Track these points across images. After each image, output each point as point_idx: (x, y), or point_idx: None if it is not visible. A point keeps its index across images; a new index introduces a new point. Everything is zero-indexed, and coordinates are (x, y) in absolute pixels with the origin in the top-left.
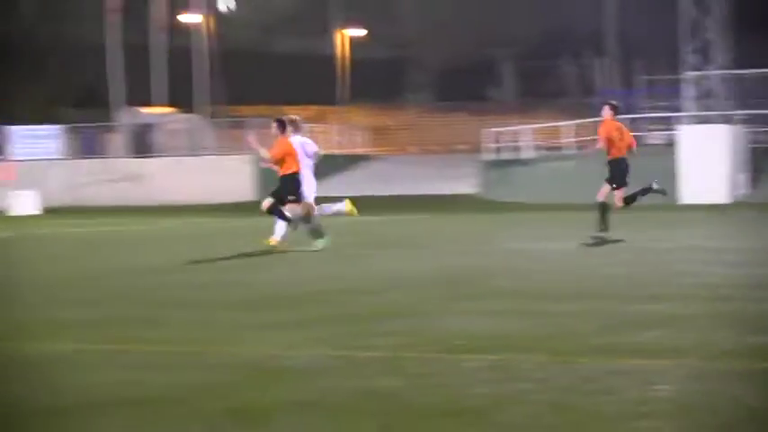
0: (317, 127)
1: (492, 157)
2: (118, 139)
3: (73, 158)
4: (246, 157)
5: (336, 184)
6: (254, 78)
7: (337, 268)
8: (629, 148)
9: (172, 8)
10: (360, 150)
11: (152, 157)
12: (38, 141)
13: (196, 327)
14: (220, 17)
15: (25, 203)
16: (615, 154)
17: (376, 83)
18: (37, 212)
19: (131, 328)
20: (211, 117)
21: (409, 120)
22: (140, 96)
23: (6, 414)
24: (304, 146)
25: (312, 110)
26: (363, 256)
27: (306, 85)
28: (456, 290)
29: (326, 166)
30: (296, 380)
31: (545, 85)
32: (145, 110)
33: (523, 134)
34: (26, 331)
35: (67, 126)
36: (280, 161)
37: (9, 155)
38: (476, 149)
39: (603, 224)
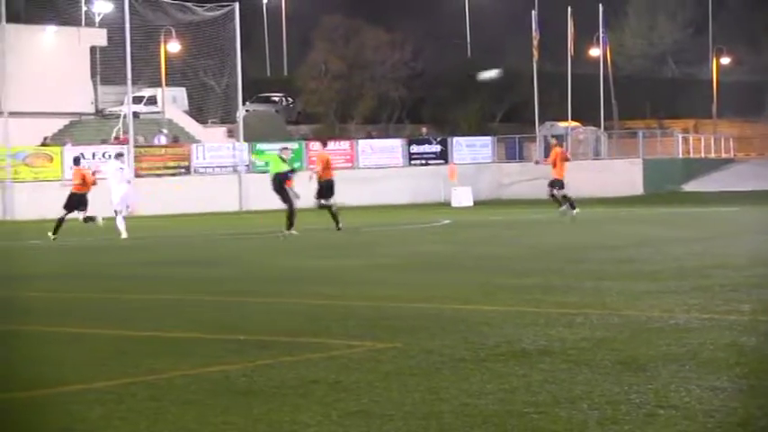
0: (695, 136)
1: None
2: (536, 147)
3: (500, 162)
4: (635, 160)
5: (707, 182)
6: (643, 98)
7: (708, 249)
8: None
9: (580, 43)
10: (726, 155)
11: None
12: (473, 149)
13: (598, 293)
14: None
15: (462, 197)
16: None
17: (741, 101)
18: (470, 205)
19: (550, 294)
20: (605, 129)
21: (767, 130)
22: (554, 112)
23: (451, 358)
24: None
25: (690, 122)
26: (728, 238)
27: (684, 103)
28: None
29: (701, 166)
30: (673, 337)
31: None
32: (559, 123)
33: None
34: (462, 295)
35: (497, 137)
36: None
37: (452, 159)
38: None
39: None
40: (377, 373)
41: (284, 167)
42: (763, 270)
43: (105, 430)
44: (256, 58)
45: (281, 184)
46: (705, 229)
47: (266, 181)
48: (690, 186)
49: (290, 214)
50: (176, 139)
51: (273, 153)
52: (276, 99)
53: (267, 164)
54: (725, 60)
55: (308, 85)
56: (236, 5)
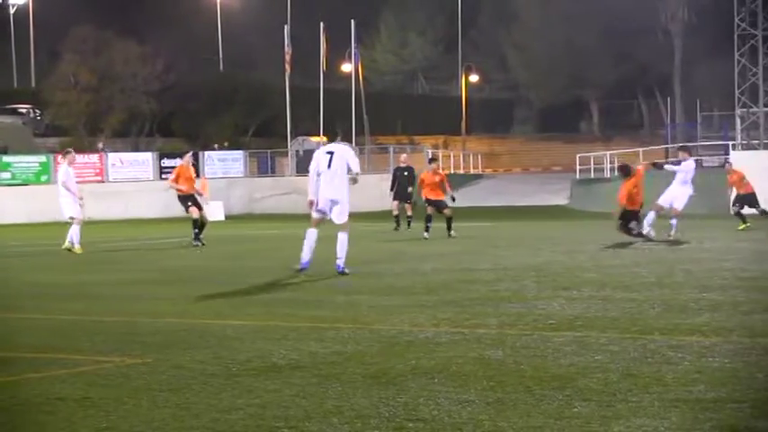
0: (444, 152)
1: (581, 176)
2: (288, 161)
3: (252, 177)
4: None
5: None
6: (395, 114)
7: (458, 264)
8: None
9: (332, 58)
10: (475, 171)
11: None
12: (225, 163)
13: (350, 308)
14: (370, 66)
15: (214, 212)
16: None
17: (490, 117)
18: (222, 219)
19: (302, 308)
20: (357, 144)
21: (515, 146)
22: (306, 127)
23: (201, 373)
24: None
25: (440, 139)
26: (478, 253)
27: (435, 119)
28: (550, 281)
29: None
30: (422, 351)
31: (623, 119)
32: (311, 138)
33: (606, 158)
34: (214, 309)
35: (249, 151)
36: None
37: (204, 174)
38: (568, 170)
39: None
40: (126, 389)
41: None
42: (511, 284)
43: None
44: (3, 69)
45: None
46: (455, 244)
47: (14, 193)
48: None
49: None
50: None
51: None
52: (23, 111)
53: (13, 176)
54: (474, 78)
55: (57, 96)
56: None
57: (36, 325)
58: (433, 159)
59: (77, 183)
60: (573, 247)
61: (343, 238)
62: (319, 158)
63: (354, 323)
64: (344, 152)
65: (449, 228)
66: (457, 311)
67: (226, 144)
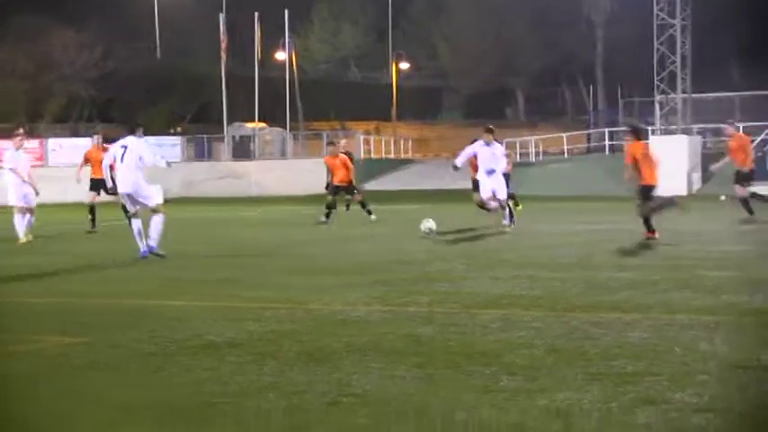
0: (376, 137)
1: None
2: (224, 147)
3: (189, 161)
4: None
5: (387, 181)
6: (328, 101)
7: (388, 246)
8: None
9: (267, 47)
10: (405, 155)
11: (250, 160)
12: (163, 148)
13: (284, 288)
14: (303, 54)
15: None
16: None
17: (419, 104)
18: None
19: (238, 288)
20: (290, 131)
21: (444, 132)
22: (242, 114)
23: (140, 352)
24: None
25: (372, 125)
26: (407, 235)
27: (366, 105)
28: (475, 262)
29: (382, 167)
30: (355, 328)
31: (548, 105)
32: (246, 124)
33: (531, 143)
34: (150, 291)
35: (186, 136)
36: None
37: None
38: None
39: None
40: (65, 367)
41: None
42: (440, 265)
43: None
44: None
45: None
46: (386, 226)
47: None
48: (371, 185)
49: None
50: None
51: None
52: None
53: None
54: (404, 65)
55: None
56: None
57: None
58: (331, 143)
59: (31, 167)
60: (497, 230)
61: (156, 219)
62: (115, 153)
63: (289, 303)
64: (137, 146)
65: (368, 211)
66: (388, 290)
67: (179, 129)
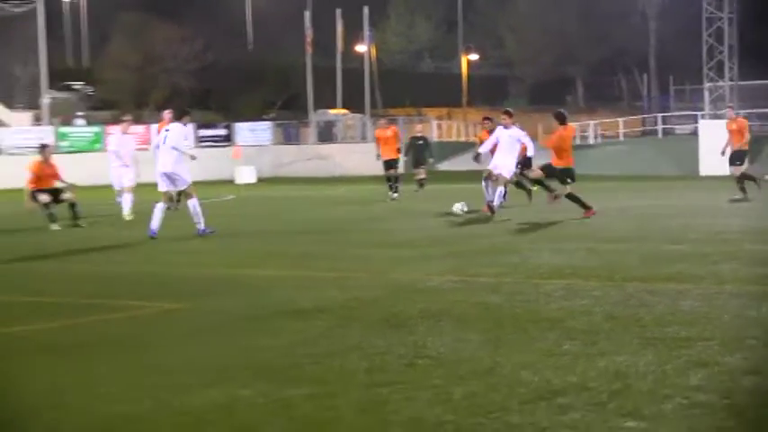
0: (449, 122)
1: None
2: (310, 132)
3: (279, 145)
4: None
5: (458, 162)
6: (404, 89)
7: (459, 221)
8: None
9: (348, 40)
10: (474, 138)
11: (333, 143)
12: (256, 132)
13: (365, 259)
14: (381, 47)
15: (246, 175)
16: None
17: (487, 92)
18: (253, 182)
19: (323, 260)
20: (370, 116)
21: None
22: (326, 101)
23: (235, 317)
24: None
25: (444, 110)
26: (476, 209)
27: (439, 93)
28: (538, 235)
29: (453, 149)
30: (431, 296)
31: (605, 92)
32: (330, 111)
33: (590, 127)
34: (243, 262)
35: (276, 122)
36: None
37: (237, 141)
38: None
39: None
40: (170, 330)
41: None
42: (507, 238)
43: None
44: (59, 51)
45: None
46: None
47: (70, 159)
48: (444, 166)
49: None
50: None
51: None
52: (77, 87)
53: (71, 144)
54: (473, 56)
55: (107, 75)
56: (40, 2)
57: (87, 276)
58: (381, 119)
59: (135, 150)
60: (561, 206)
61: (192, 203)
62: (159, 136)
63: (369, 273)
64: (178, 132)
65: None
66: (459, 262)
67: (272, 115)
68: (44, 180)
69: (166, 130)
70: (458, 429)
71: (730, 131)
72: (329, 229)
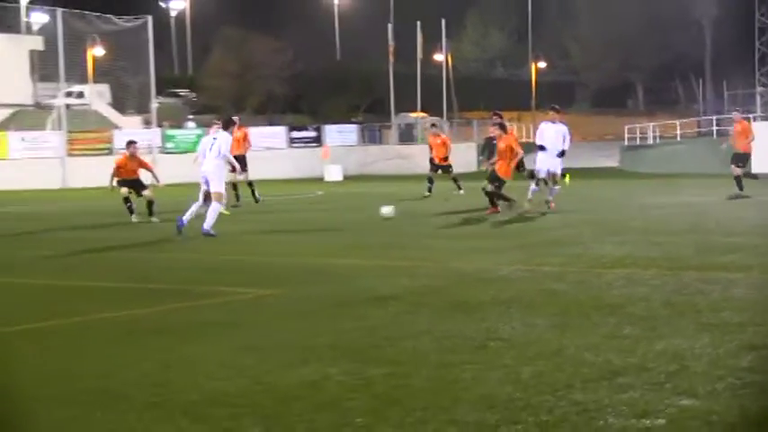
0: (519, 125)
1: (628, 143)
2: (392, 133)
3: (363, 145)
4: (471, 144)
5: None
6: (478, 94)
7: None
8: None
9: (427, 49)
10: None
11: (413, 144)
12: (343, 134)
13: (434, 250)
14: (457, 55)
15: (334, 173)
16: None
17: (554, 96)
18: (340, 179)
19: (395, 250)
20: (447, 119)
21: (574, 120)
22: (407, 105)
23: (322, 303)
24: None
25: (514, 114)
26: (541, 204)
27: (510, 98)
28: (599, 228)
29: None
30: (500, 284)
31: (663, 96)
32: (410, 114)
33: (650, 129)
34: (335, 252)
35: (361, 124)
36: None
37: (325, 142)
38: (618, 138)
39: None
40: (263, 315)
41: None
42: (570, 231)
43: (37, 361)
44: (166, 60)
45: None
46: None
47: (175, 159)
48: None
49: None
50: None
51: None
52: (182, 94)
53: (176, 145)
54: (541, 64)
55: (209, 82)
56: (150, 18)
57: (190, 264)
58: (433, 125)
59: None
60: (622, 201)
61: (213, 206)
62: (204, 142)
63: (438, 262)
64: (224, 140)
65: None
66: (526, 253)
67: (359, 118)
68: (126, 172)
69: (214, 138)
70: (526, 406)
71: (735, 133)
72: (403, 222)
